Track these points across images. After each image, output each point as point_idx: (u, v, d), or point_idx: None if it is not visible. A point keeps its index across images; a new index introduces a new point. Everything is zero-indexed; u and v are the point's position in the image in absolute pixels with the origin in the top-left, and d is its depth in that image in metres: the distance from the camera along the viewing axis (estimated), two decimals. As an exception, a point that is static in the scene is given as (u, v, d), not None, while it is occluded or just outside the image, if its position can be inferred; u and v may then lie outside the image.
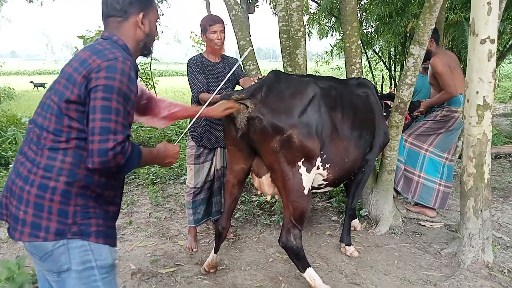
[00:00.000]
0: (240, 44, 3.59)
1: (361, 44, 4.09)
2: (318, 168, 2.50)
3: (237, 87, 3.10)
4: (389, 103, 3.52)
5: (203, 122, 3.00)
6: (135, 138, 6.63)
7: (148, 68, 9.07)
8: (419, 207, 3.79)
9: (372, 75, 10.01)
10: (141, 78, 8.75)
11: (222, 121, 2.63)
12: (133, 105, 1.42)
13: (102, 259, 1.42)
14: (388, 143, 3.28)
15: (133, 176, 4.98)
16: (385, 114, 3.24)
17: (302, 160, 2.35)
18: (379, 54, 8.90)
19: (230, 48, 5.71)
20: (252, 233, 3.47)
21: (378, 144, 3.02)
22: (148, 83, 8.96)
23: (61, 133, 1.36)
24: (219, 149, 3.16)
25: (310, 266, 2.48)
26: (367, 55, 8.94)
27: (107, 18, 1.54)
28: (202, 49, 7.92)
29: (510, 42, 6.81)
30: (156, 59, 8.93)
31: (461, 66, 3.79)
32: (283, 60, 3.80)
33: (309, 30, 8.53)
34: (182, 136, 2.13)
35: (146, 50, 1.64)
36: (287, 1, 3.45)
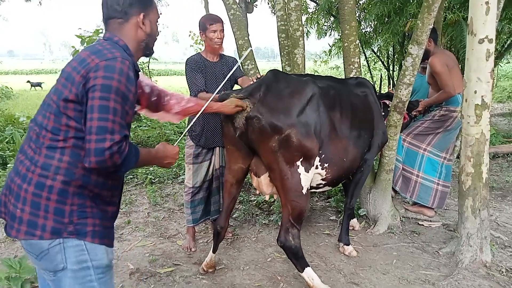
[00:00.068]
0: (238, 44, 3.59)
1: (359, 44, 4.09)
2: (316, 167, 2.50)
3: (236, 87, 3.09)
4: (387, 103, 3.52)
5: (202, 121, 3.00)
6: (133, 138, 6.62)
7: (147, 68, 9.05)
8: (417, 207, 3.80)
9: (371, 74, 10.03)
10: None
11: (221, 121, 2.62)
12: (131, 105, 1.42)
13: (98, 259, 1.42)
14: (387, 143, 3.28)
15: (131, 176, 4.97)
16: (383, 113, 3.24)
17: (301, 159, 2.34)
18: (378, 53, 8.92)
19: (229, 48, 5.71)
20: (250, 233, 3.47)
21: (376, 143, 3.02)
22: (147, 83, 8.91)
23: (59, 131, 1.36)
24: (218, 148, 3.15)
25: (309, 266, 2.48)
26: (365, 55, 8.97)
27: (108, 20, 1.54)
28: (200, 49, 7.92)
29: (508, 42, 6.83)
30: (155, 59, 8.91)
31: (459, 65, 3.80)
32: (281, 60, 3.80)
33: (308, 30, 8.54)
34: (182, 137, 2.12)
35: (148, 50, 1.64)
36: (286, 1, 3.45)
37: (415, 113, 3.78)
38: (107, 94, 1.31)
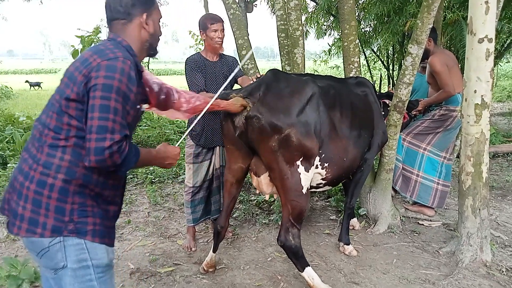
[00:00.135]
0: (238, 43, 3.59)
1: (359, 43, 4.09)
2: (316, 167, 2.50)
3: (236, 86, 3.09)
4: (387, 102, 3.52)
5: (202, 121, 2.99)
6: (133, 138, 6.61)
7: (147, 67, 9.06)
8: (417, 206, 3.80)
9: (370, 74, 10.03)
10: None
11: (220, 120, 2.62)
12: (132, 105, 1.42)
13: (98, 258, 1.43)
14: (387, 142, 3.28)
15: (132, 175, 4.97)
16: (383, 113, 3.24)
17: (301, 159, 2.34)
18: (377, 53, 8.92)
19: (228, 47, 5.71)
20: (250, 232, 3.47)
21: (376, 143, 3.02)
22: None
23: (61, 130, 1.38)
24: (218, 148, 3.15)
25: (309, 265, 2.48)
26: (365, 54, 8.97)
27: (112, 21, 1.55)
28: (200, 48, 7.90)
29: (508, 41, 6.83)
30: (155, 58, 8.91)
31: (459, 65, 3.80)
32: (281, 59, 3.80)
33: (307, 29, 8.53)
34: (184, 138, 2.12)
35: (152, 51, 1.65)
36: (285, 0, 3.45)
37: (415, 112, 3.78)
38: (108, 94, 1.32)
